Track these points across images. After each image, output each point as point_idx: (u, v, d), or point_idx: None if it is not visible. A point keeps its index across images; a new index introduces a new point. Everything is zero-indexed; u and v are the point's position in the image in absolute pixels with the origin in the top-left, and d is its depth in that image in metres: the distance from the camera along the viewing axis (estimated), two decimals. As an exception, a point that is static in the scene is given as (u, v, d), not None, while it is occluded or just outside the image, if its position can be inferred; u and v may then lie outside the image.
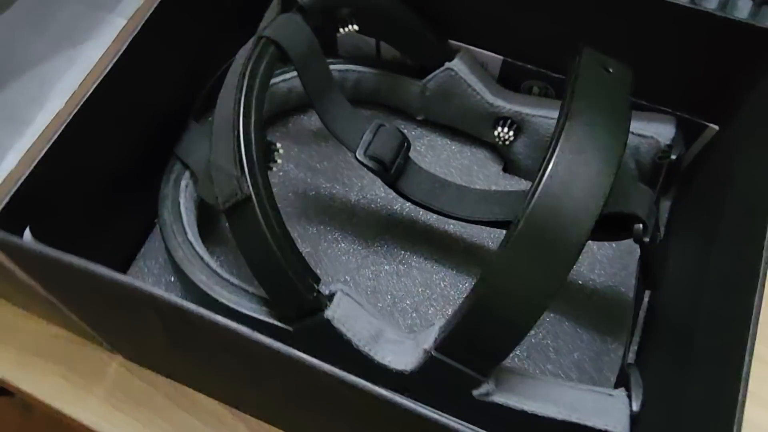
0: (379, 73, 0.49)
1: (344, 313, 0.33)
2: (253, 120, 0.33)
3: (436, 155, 0.49)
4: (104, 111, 0.36)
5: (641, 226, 0.34)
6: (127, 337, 0.40)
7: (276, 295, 0.34)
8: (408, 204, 0.45)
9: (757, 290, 0.30)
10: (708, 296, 0.35)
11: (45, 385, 0.42)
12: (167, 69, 0.41)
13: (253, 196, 0.32)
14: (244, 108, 0.33)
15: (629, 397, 0.34)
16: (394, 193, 0.44)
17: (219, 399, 0.42)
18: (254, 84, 0.34)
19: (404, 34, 0.45)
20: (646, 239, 0.35)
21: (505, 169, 0.49)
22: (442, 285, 0.44)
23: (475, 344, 0.31)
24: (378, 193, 0.47)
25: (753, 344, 0.29)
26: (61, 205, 0.36)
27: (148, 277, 0.44)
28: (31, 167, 0.31)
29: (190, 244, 0.38)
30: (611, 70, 0.33)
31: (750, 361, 0.28)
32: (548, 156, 0.29)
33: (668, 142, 0.41)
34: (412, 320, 0.43)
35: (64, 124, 0.33)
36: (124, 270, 0.44)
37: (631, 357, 0.41)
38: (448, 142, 0.50)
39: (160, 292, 0.27)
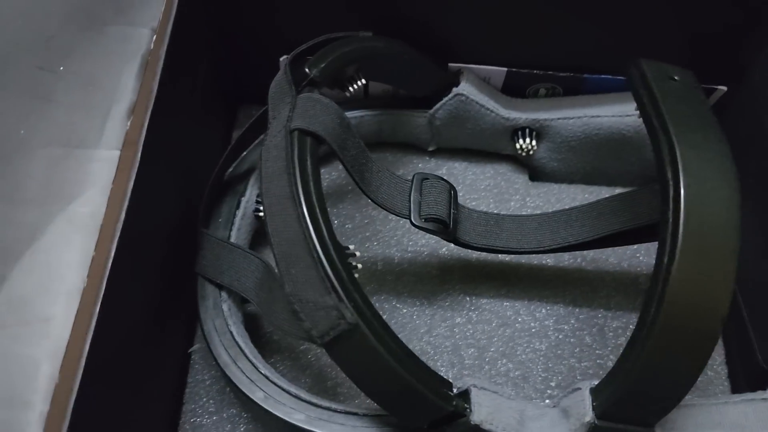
0: (378, 114, 0.45)
1: (489, 410, 0.30)
2: (327, 235, 0.29)
3: (460, 182, 0.46)
4: (129, 267, 0.30)
5: None
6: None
7: (407, 414, 0.30)
8: (453, 245, 0.42)
9: None
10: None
11: None
12: (172, 186, 0.36)
13: (361, 323, 0.28)
14: (312, 224, 0.29)
15: (781, 394, 0.33)
16: (435, 237, 0.40)
17: None
18: (310, 190, 0.30)
19: (406, 70, 0.41)
20: None
21: (531, 178, 0.47)
22: (520, 319, 0.42)
23: (642, 405, 0.29)
24: (419, 241, 0.44)
25: None
26: (110, 401, 0.30)
27: (208, 417, 0.38)
28: (79, 378, 0.26)
29: (267, 379, 0.34)
30: (677, 78, 0.31)
31: None
32: (674, 192, 0.27)
33: None
34: (505, 367, 0.40)
35: (98, 307, 0.27)
36: (177, 415, 0.39)
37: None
38: (468, 165, 0.47)
39: None
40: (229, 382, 0.35)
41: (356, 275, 0.31)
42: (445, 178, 0.45)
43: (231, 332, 0.36)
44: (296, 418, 0.32)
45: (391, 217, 0.44)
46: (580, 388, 0.30)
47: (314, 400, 0.33)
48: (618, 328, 0.41)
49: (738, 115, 0.43)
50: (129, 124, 0.32)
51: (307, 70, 0.34)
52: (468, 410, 0.30)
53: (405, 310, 0.42)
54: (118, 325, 0.30)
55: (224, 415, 0.38)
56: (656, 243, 0.28)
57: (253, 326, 0.40)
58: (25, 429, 0.26)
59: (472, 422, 0.29)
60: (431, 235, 0.42)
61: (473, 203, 0.45)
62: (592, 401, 0.29)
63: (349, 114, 0.44)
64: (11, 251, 0.29)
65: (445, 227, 0.37)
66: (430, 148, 0.46)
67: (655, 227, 0.29)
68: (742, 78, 0.42)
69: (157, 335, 0.36)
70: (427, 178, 0.37)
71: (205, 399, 0.39)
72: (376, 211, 0.44)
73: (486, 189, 0.46)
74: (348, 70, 0.37)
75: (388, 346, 0.28)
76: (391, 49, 0.40)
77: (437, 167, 0.47)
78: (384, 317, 0.40)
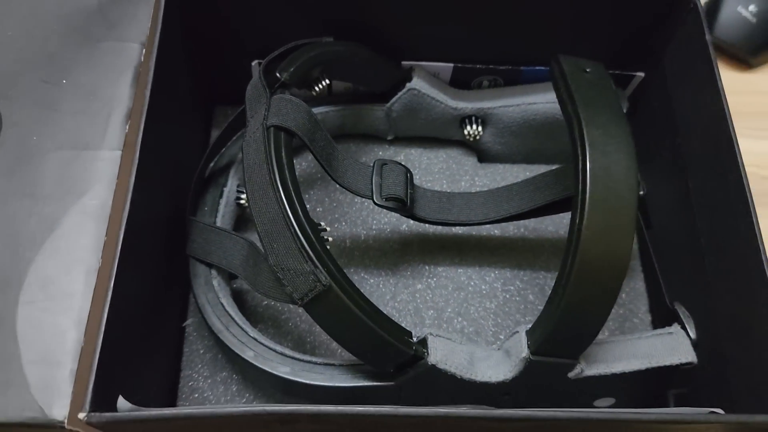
0: (340, 109, 0.50)
1: (443, 353, 0.36)
2: (301, 212, 0.35)
3: (417, 166, 0.52)
4: (135, 249, 0.35)
5: None
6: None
7: (375, 360, 0.36)
8: (413, 221, 0.48)
9: (748, 198, 0.37)
10: (702, 220, 0.42)
11: None
12: (165, 180, 0.41)
13: (333, 284, 0.34)
14: (288, 204, 0.35)
15: (684, 329, 0.39)
16: (397, 215, 0.46)
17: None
18: (286, 176, 0.35)
19: (364, 69, 0.47)
20: (642, 192, 0.40)
21: (479, 160, 0.53)
22: (472, 283, 0.48)
23: (567, 339, 0.35)
24: (381, 220, 0.50)
25: (763, 242, 0.35)
26: (126, 357, 0.35)
27: (203, 381, 0.44)
28: (101, 341, 0.31)
29: (256, 341, 0.39)
30: (589, 70, 0.37)
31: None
32: (582, 164, 0.33)
33: None
34: (460, 324, 0.46)
35: (113, 282, 0.33)
36: (176, 381, 0.44)
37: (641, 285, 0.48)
38: (423, 151, 0.53)
39: (295, 407, 0.30)
40: (223, 346, 0.40)
41: (328, 247, 0.37)
42: (402, 163, 0.52)
43: (222, 304, 0.41)
44: (282, 370, 0.38)
45: (357, 199, 0.50)
46: (518, 332, 0.37)
47: (297, 355, 0.39)
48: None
49: (654, 98, 0.49)
50: (127, 127, 0.37)
51: (278, 74, 0.39)
52: (426, 353, 0.36)
53: (372, 280, 0.48)
54: (128, 299, 0.35)
55: (217, 378, 0.44)
56: None
57: (239, 300, 0.45)
58: (59, 384, 0.31)
59: (429, 363, 0.35)
60: (393, 214, 0.48)
61: (428, 184, 0.51)
62: (527, 341, 0.36)
63: (315, 110, 0.50)
64: (36, 239, 0.34)
65: (404, 205, 0.43)
66: (389, 138, 0.52)
67: None
68: (657, 65, 0.49)
69: (158, 309, 0.41)
70: (386, 163, 0.43)
71: (200, 365, 0.44)
72: (343, 195, 0.50)
73: (439, 171, 0.52)
74: (313, 72, 0.42)
75: (358, 303, 0.34)
76: (350, 52, 0.45)
77: (396, 154, 0.52)
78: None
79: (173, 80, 0.42)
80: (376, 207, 0.43)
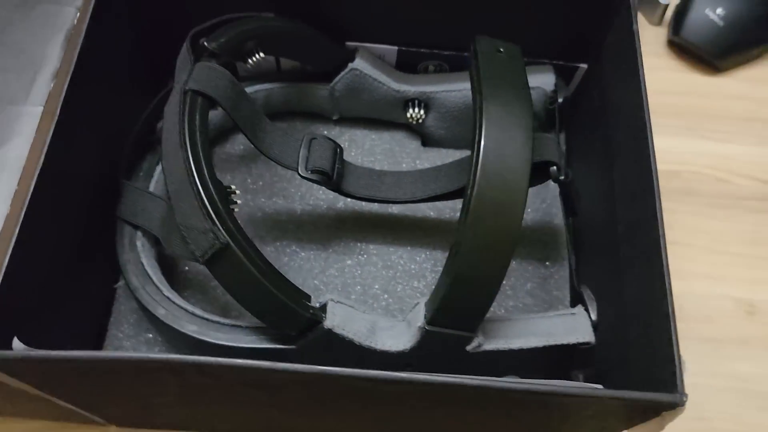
0: (285, 86, 0.51)
1: (342, 319, 0.37)
2: (206, 173, 0.36)
3: (360, 147, 0.53)
4: (49, 202, 0.37)
5: (555, 168, 0.40)
6: (127, 405, 0.42)
7: (275, 322, 0.37)
8: (350, 199, 0.49)
9: (654, 191, 0.37)
10: (621, 209, 0.42)
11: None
12: (93, 141, 0.42)
13: (231, 242, 0.34)
14: (195, 165, 0.36)
15: (587, 311, 0.40)
16: (335, 193, 0.47)
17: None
18: (196, 139, 0.37)
19: (306, 48, 0.48)
20: (561, 177, 0.41)
21: (423, 144, 0.54)
22: (402, 262, 0.49)
23: (460, 310, 0.35)
24: (319, 197, 0.51)
25: (664, 233, 0.35)
26: (29, 302, 0.37)
27: (127, 341, 0.45)
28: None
29: (169, 299, 0.41)
30: (502, 50, 0.38)
31: (666, 250, 0.35)
32: (477, 137, 0.34)
33: (552, 88, 0.47)
34: (386, 301, 0.47)
35: (18, 228, 0.34)
36: (101, 340, 0.45)
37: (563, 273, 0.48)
38: (368, 133, 0.53)
39: (179, 357, 0.30)
40: (139, 304, 0.41)
41: (235, 209, 0.38)
42: (345, 143, 0.53)
43: (142, 263, 0.42)
44: (190, 329, 0.39)
45: (296, 176, 0.51)
46: (419, 303, 0.37)
47: (206, 315, 0.40)
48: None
49: (593, 90, 0.50)
50: (52, 85, 0.39)
51: (205, 43, 0.41)
52: (324, 318, 0.36)
53: (303, 254, 0.49)
54: (37, 250, 0.36)
55: (141, 338, 0.45)
56: None
57: (169, 266, 0.47)
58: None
59: (325, 327, 0.36)
60: (330, 191, 0.49)
61: (370, 164, 0.52)
62: (425, 312, 0.36)
63: (260, 87, 0.51)
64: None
65: (328, 178, 0.44)
66: (335, 117, 0.53)
67: None
68: (598, 57, 0.49)
69: (80, 266, 0.42)
70: (316, 138, 0.44)
71: (125, 326, 0.45)
72: (284, 171, 0.51)
73: (382, 153, 0.53)
74: (248, 45, 0.44)
75: (255, 262, 0.35)
76: (291, 29, 0.46)
77: (341, 134, 0.53)
78: (285, 260, 0.48)
79: (110, 47, 0.43)
80: (314, 184, 0.44)
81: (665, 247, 0.35)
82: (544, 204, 0.51)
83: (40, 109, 0.38)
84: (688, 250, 0.54)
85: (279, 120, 0.54)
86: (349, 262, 0.48)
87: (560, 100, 0.47)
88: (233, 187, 0.38)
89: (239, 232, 0.35)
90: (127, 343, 0.45)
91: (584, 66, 0.50)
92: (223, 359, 0.31)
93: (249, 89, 0.51)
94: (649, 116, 0.39)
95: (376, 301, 0.47)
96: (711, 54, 0.62)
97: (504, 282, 0.47)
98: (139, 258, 0.43)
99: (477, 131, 0.34)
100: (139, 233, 0.44)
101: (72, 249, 0.41)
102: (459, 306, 0.35)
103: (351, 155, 0.53)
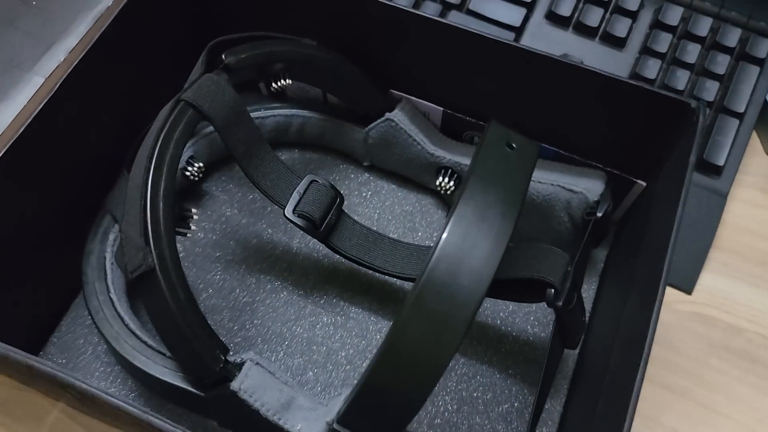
0: (323, 119, 0.49)
1: (253, 383, 0.33)
2: (162, 189, 0.34)
3: (381, 201, 0.49)
4: (19, 174, 0.36)
5: (552, 291, 0.34)
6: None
7: (184, 364, 0.34)
8: (349, 254, 0.45)
9: (644, 348, 0.30)
10: (617, 350, 0.36)
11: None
12: (90, 125, 0.41)
13: (158, 269, 0.32)
14: (153, 176, 0.34)
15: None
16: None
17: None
18: (166, 151, 0.35)
19: (343, 84, 0.45)
20: (559, 303, 0.35)
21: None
22: (378, 337, 0.44)
23: (374, 415, 0.31)
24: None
25: (636, 402, 0.29)
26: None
27: (75, 340, 0.44)
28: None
29: (112, 303, 0.39)
30: (515, 146, 0.33)
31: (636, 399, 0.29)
32: (441, 232, 0.29)
33: (596, 198, 0.41)
34: (346, 372, 0.43)
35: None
36: (49, 333, 0.44)
37: (558, 409, 0.41)
38: (395, 189, 0.50)
39: (64, 375, 0.29)
40: (84, 299, 0.40)
41: (188, 234, 0.35)
42: (368, 192, 0.49)
43: (105, 257, 0.41)
44: (116, 342, 0.37)
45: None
46: (341, 394, 0.33)
47: (137, 330, 0.37)
48: (466, 373, 0.43)
49: (642, 211, 0.43)
50: (62, 60, 0.38)
51: (223, 56, 0.39)
52: (235, 376, 0.33)
53: (282, 295, 0.45)
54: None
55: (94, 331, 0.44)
56: None
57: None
58: None
59: (230, 388, 0.33)
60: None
61: (384, 223, 0.48)
62: (342, 404, 0.32)
63: (299, 113, 0.49)
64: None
65: (315, 227, 0.40)
66: (365, 163, 0.50)
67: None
68: (657, 177, 0.43)
69: (44, 242, 0.41)
70: (316, 181, 0.41)
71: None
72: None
73: (402, 214, 0.49)
74: (274, 67, 0.41)
75: (177, 297, 0.32)
76: (328, 61, 0.43)
77: (368, 182, 0.50)
78: (262, 295, 0.45)
79: (132, 40, 0.42)
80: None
81: (631, 418, 0.29)
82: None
83: (41, 80, 0.37)
84: (727, 423, 0.46)
85: (311, 151, 0.51)
86: (324, 319, 0.45)
87: (599, 214, 0.41)
88: (194, 211, 0.35)
89: (172, 261, 0.33)
90: (77, 342, 0.43)
91: (642, 183, 0.43)
92: (95, 393, 0.29)
93: (286, 111, 0.49)
94: (670, 259, 0.32)
95: (336, 369, 0.43)
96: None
97: (479, 393, 0.42)
98: (104, 251, 0.41)
99: (444, 226, 0.29)
100: (117, 226, 0.42)
101: (37, 223, 0.40)
102: (373, 410, 0.30)
103: (369, 206, 0.49)
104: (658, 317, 0.31)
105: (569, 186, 0.43)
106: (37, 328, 0.43)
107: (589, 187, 0.42)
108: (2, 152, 0.35)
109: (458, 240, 0.29)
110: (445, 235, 0.29)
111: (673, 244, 0.33)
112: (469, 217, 0.29)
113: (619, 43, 0.53)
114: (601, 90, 0.39)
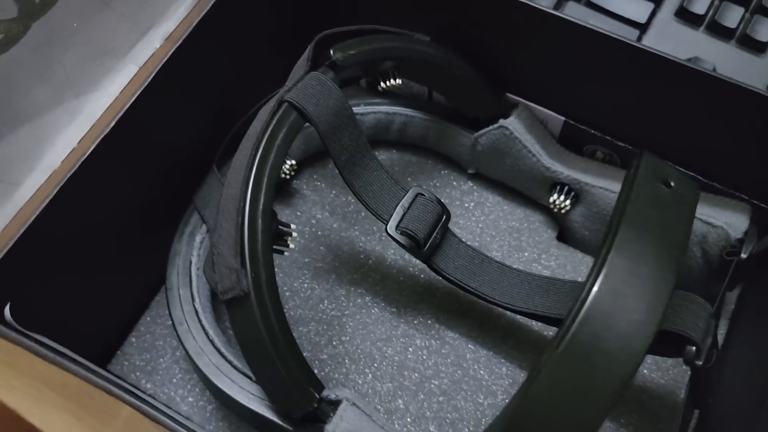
0: (428, 119, 0.44)
1: (348, 427, 0.30)
2: (261, 205, 0.30)
3: (485, 214, 0.45)
4: (107, 168, 0.33)
5: (694, 348, 0.29)
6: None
7: (273, 396, 0.31)
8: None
9: None
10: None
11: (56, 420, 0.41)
12: (184, 116, 0.38)
13: (253, 295, 0.29)
14: (252, 191, 0.30)
15: None
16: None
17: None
18: (267, 160, 0.31)
19: (454, 85, 0.40)
20: (699, 362, 0.30)
21: (559, 237, 0.44)
22: (476, 367, 0.40)
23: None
24: (416, 255, 0.43)
25: None
26: (53, 273, 0.34)
27: (155, 341, 0.41)
28: (16, 238, 0.29)
29: (196, 313, 0.36)
30: (672, 185, 0.28)
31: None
32: (589, 284, 0.25)
33: (739, 236, 0.36)
34: (439, 404, 0.39)
35: (58, 187, 0.31)
36: (126, 333, 0.42)
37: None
38: (500, 201, 0.45)
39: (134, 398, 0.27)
40: (167, 306, 0.37)
41: (285, 252, 0.32)
42: (471, 203, 0.45)
43: (191, 261, 0.38)
44: (200, 359, 0.34)
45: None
46: None
47: (224, 350, 0.34)
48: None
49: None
50: (158, 47, 0.35)
51: (331, 51, 0.35)
52: (329, 418, 0.30)
53: (374, 311, 0.42)
54: (75, 210, 0.33)
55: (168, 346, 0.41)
56: None
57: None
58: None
59: (325, 430, 0.29)
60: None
61: (487, 239, 0.44)
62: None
63: (401, 111, 0.45)
64: (19, 120, 0.33)
65: (418, 246, 0.36)
66: (470, 171, 0.45)
67: None
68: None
69: (131, 236, 0.38)
70: (423, 195, 0.37)
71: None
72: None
73: (507, 230, 0.44)
74: (384, 65, 0.37)
75: (271, 328, 0.29)
76: (442, 60, 0.39)
77: (470, 191, 0.45)
78: (351, 309, 0.41)
79: (235, 26, 0.38)
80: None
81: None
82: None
83: (135, 69, 0.34)
84: None
85: (411, 153, 0.47)
86: (418, 341, 0.41)
87: (743, 255, 0.35)
88: (293, 227, 0.32)
89: (269, 285, 0.29)
90: (156, 344, 0.41)
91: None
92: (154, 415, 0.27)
93: (388, 108, 0.45)
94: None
95: (428, 399, 0.39)
96: None
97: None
98: (191, 254, 0.38)
99: (585, 289, 0.25)
100: (204, 227, 0.39)
101: (127, 230, 0.38)
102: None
103: (472, 219, 0.44)
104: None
105: (707, 218, 0.37)
106: (117, 324, 0.41)
107: (731, 221, 0.37)
108: (95, 144, 0.32)
109: (609, 299, 0.24)
110: (595, 289, 0.24)
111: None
112: (621, 273, 0.25)
113: (760, 47, 0.46)
114: (754, 108, 0.33)
